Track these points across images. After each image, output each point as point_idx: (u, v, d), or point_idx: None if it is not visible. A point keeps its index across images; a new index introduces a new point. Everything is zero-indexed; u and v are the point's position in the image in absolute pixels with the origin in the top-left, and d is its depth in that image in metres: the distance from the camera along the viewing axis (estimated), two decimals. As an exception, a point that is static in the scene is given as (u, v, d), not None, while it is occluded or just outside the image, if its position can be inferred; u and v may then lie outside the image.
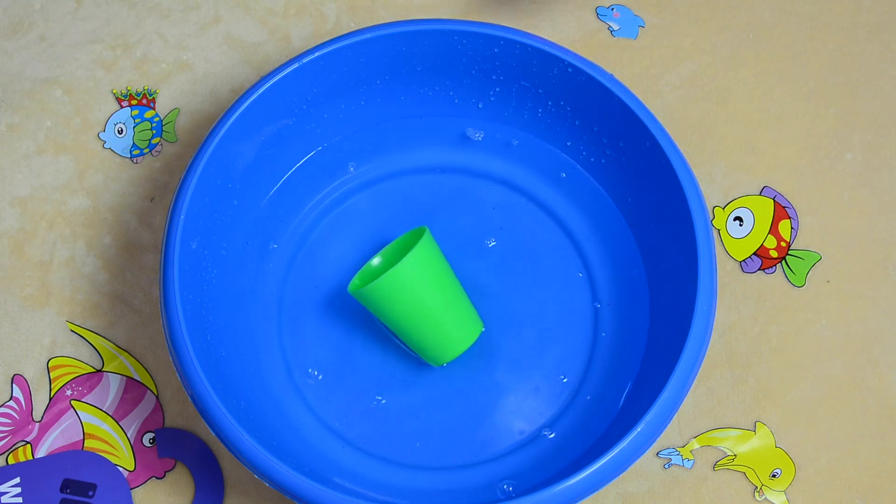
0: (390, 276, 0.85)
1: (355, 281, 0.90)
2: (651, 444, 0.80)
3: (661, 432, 0.81)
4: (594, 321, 0.93)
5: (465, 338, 0.88)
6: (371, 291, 0.86)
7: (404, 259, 0.85)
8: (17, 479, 0.90)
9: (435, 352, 0.89)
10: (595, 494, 0.82)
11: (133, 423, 0.93)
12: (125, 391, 0.93)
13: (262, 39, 1.04)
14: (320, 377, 0.91)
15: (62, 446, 0.92)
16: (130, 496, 0.90)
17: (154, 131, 1.01)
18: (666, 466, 0.91)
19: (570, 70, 0.90)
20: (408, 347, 0.91)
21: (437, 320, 0.87)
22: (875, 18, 1.04)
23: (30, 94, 1.02)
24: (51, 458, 0.91)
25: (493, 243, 0.95)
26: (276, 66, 0.95)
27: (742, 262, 0.97)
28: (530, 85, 0.93)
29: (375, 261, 0.92)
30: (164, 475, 0.92)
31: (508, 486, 0.87)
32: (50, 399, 0.93)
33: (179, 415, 0.93)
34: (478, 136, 0.97)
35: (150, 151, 1.01)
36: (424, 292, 0.86)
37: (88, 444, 0.92)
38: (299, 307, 0.93)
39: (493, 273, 0.94)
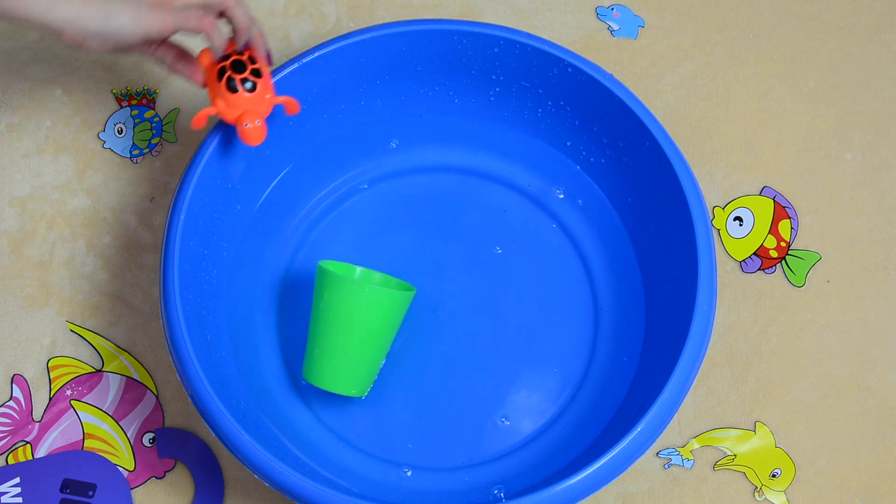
0: (345, 282, 0.85)
1: (330, 265, 0.90)
2: (651, 444, 0.80)
3: (661, 432, 0.81)
4: (593, 321, 0.93)
5: (341, 383, 0.87)
6: (326, 278, 0.86)
7: (368, 286, 0.85)
8: (17, 479, 0.90)
9: (313, 365, 0.87)
10: (595, 494, 0.82)
11: (133, 423, 0.93)
12: (125, 391, 0.93)
13: (262, 39, 1.04)
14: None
15: (62, 446, 0.92)
16: (130, 496, 0.90)
17: (154, 131, 1.01)
18: (666, 466, 0.91)
19: (570, 70, 0.90)
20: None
21: (341, 348, 0.86)
22: (875, 18, 1.04)
23: (30, 94, 1.02)
24: (51, 458, 0.91)
25: (494, 245, 0.95)
26: (276, 66, 0.95)
27: (742, 262, 0.97)
28: (530, 85, 0.93)
29: (358, 270, 0.91)
30: (164, 475, 0.92)
31: (499, 492, 0.87)
32: (50, 399, 0.93)
33: (179, 415, 0.93)
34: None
35: (150, 151, 1.01)
36: (354, 322, 0.85)
37: (88, 444, 0.92)
38: (300, 307, 0.93)
39: (491, 273, 0.94)
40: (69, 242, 0.98)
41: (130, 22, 0.77)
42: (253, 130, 0.83)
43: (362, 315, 0.85)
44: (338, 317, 0.86)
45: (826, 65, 1.03)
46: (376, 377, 0.90)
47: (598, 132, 0.93)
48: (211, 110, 0.84)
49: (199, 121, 0.83)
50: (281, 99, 0.85)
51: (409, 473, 0.88)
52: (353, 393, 0.87)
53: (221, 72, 0.83)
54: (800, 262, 0.97)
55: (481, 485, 0.88)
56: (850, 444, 0.92)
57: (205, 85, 0.84)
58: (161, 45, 0.83)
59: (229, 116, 0.84)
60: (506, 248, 0.95)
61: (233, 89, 0.83)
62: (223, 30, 0.82)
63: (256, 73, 0.84)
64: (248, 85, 0.83)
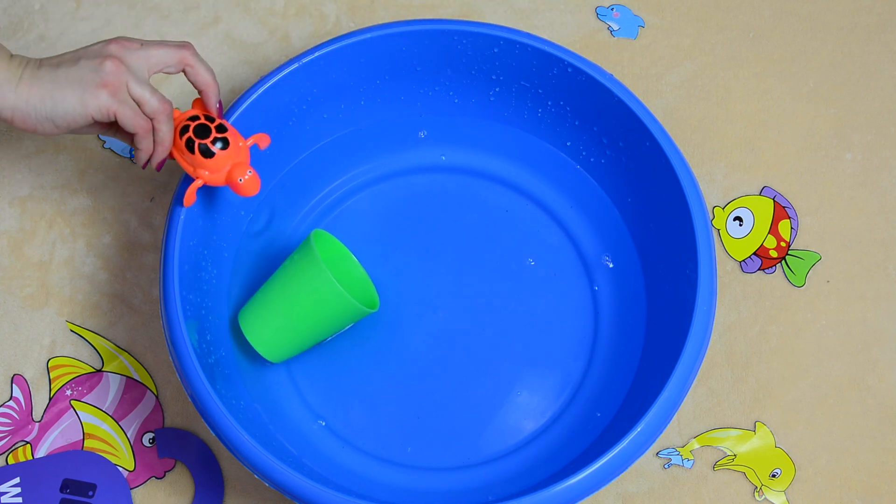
0: (313, 257, 0.85)
1: (321, 237, 0.90)
2: (651, 444, 0.80)
3: (661, 432, 0.81)
4: (593, 321, 0.93)
5: (261, 338, 0.87)
6: (305, 244, 0.87)
7: (326, 274, 0.85)
8: (17, 479, 0.90)
9: (249, 311, 0.88)
10: (595, 494, 0.82)
11: (133, 423, 0.93)
12: (125, 391, 0.93)
13: (262, 39, 1.04)
14: (320, 377, 0.91)
15: (62, 446, 0.92)
16: (130, 496, 0.90)
17: (154, 131, 1.01)
18: (666, 466, 0.91)
19: (570, 70, 0.90)
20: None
21: (279, 308, 0.87)
22: (875, 18, 1.04)
23: (30, 94, 1.02)
24: (51, 458, 0.91)
25: (494, 245, 0.95)
26: (276, 66, 0.95)
27: (742, 262, 0.97)
28: (530, 85, 0.93)
29: (351, 260, 0.92)
30: (164, 475, 0.92)
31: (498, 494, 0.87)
32: (50, 399, 0.93)
33: (179, 415, 0.93)
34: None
35: (150, 151, 1.00)
36: (302, 296, 0.86)
37: (88, 444, 0.92)
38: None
39: (490, 273, 0.94)
40: (69, 242, 0.98)
41: (76, 104, 0.76)
42: (248, 182, 0.82)
43: (311, 295, 0.86)
44: (292, 282, 0.87)
45: (826, 65, 1.03)
46: (296, 354, 0.90)
47: (598, 132, 0.93)
48: (198, 184, 0.82)
49: (191, 198, 0.82)
50: (252, 140, 0.84)
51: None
52: (264, 353, 0.88)
53: (189, 143, 0.81)
54: (800, 262, 0.97)
55: (481, 485, 0.88)
56: (850, 444, 0.92)
57: (171, 157, 0.82)
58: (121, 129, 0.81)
59: (218, 180, 0.82)
60: (505, 248, 0.95)
61: (210, 155, 0.81)
62: (161, 134, 0.80)
63: (221, 129, 0.82)
64: (220, 144, 0.81)
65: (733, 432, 0.92)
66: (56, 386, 0.94)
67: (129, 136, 0.81)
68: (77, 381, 0.94)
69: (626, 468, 0.80)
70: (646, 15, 1.04)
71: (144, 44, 0.79)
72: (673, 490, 0.90)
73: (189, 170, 0.82)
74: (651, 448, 0.83)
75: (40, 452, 0.92)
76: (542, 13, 1.05)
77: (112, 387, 0.94)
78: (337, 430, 0.90)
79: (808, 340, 0.94)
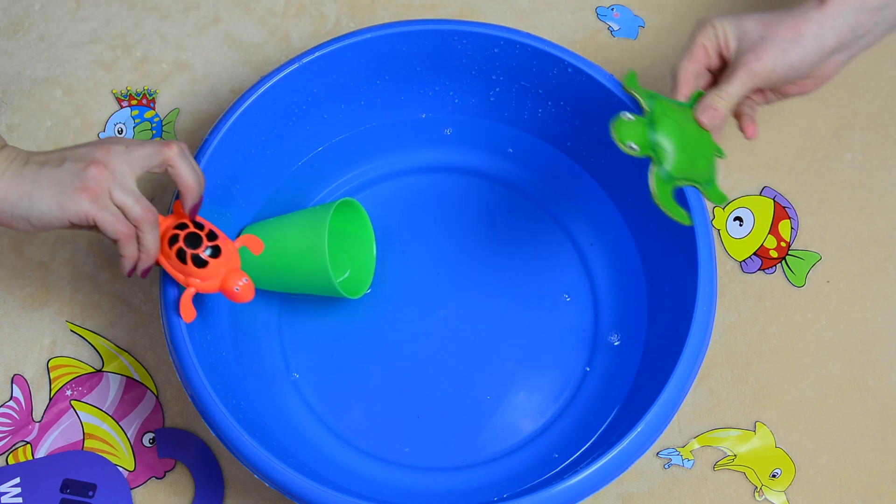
0: (322, 224, 0.86)
1: (349, 205, 0.91)
2: (651, 444, 0.80)
3: (661, 432, 0.81)
4: (594, 321, 0.93)
5: (251, 264, 0.88)
6: (328, 205, 0.88)
7: (323, 247, 0.85)
8: (17, 479, 0.90)
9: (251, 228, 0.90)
10: (595, 494, 0.82)
11: (133, 423, 0.93)
12: (125, 391, 0.93)
13: (262, 39, 1.04)
14: (320, 377, 0.91)
15: (62, 446, 0.92)
16: (130, 496, 0.90)
17: (154, 131, 1.01)
18: (666, 466, 0.91)
19: (570, 70, 0.90)
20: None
21: (274, 247, 0.88)
22: (875, 18, 1.04)
23: (30, 94, 1.02)
24: (51, 458, 0.91)
25: (494, 245, 0.95)
26: (276, 66, 0.95)
27: (742, 262, 0.97)
28: (530, 85, 0.93)
29: (370, 240, 0.93)
30: (164, 475, 0.92)
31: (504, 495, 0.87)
32: (50, 399, 0.93)
33: (179, 415, 0.93)
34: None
35: (150, 151, 1.00)
36: (298, 250, 0.87)
37: (88, 444, 0.92)
38: (299, 307, 0.93)
39: (491, 271, 0.94)
40: (70, 242, 0.98)
41: (53, 207, 0.74)
42: (244, 290, 0.80)
43: (305, 256, 0.87)
44: (294, 222, 0.88)
45: (826, 65, 1.03)
46: (265, 289, 0.91)
47: (598, 132, 0.93)
48: (191, 292, 0.80)
49: (188, 311, 0.80)
50: (240, 242, 0.82)
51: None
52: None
53: (180, 254, 0.79)
54: (800, 262, 0.97)
55: (481, 485, 0.88)
56: (850, 444, 0.92)
57: (157, 264, 0.80)
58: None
59: (211, 288, 0.80)
60: (506, 247, 0.95)
61: (203, 265, 0.79)
62: (146, 242, 0.77)
63: (211, 236, 0.80)
64: (211, 252, 0.79)
65: (733, 432, 0.92)
66: (56, 386, 0.94)
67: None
68: (77, 381, 0.94)
69: (626, 468, 0.80)
70: (646, 15, 1.04)
71: (129, 146, 0.76)
72: (673, 490, 0.90)
73: (179, 278, 0.80)
74: (651, 448, 0.83)
75: (40, 452, 0.92)
76: (542, 13, 1.05)
77: (112, 387, 0.94)
78: (337, 429, 0.90)
79: (808, 340, 0.94)
